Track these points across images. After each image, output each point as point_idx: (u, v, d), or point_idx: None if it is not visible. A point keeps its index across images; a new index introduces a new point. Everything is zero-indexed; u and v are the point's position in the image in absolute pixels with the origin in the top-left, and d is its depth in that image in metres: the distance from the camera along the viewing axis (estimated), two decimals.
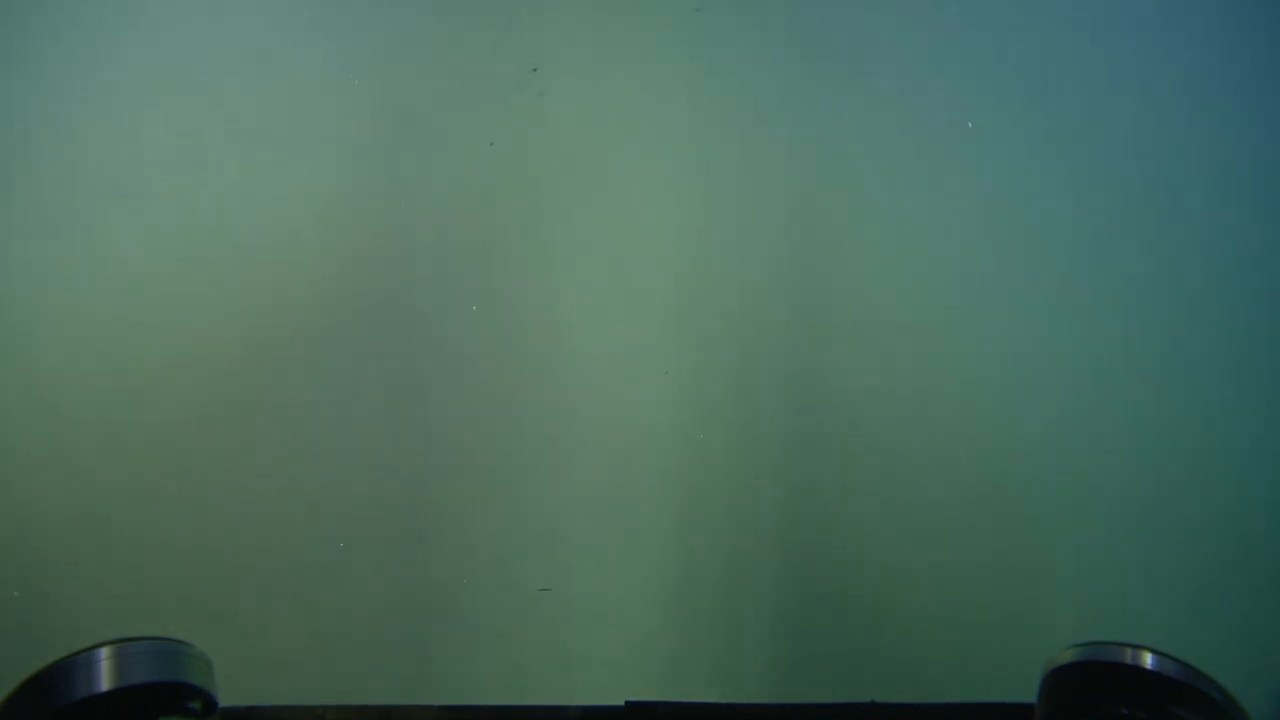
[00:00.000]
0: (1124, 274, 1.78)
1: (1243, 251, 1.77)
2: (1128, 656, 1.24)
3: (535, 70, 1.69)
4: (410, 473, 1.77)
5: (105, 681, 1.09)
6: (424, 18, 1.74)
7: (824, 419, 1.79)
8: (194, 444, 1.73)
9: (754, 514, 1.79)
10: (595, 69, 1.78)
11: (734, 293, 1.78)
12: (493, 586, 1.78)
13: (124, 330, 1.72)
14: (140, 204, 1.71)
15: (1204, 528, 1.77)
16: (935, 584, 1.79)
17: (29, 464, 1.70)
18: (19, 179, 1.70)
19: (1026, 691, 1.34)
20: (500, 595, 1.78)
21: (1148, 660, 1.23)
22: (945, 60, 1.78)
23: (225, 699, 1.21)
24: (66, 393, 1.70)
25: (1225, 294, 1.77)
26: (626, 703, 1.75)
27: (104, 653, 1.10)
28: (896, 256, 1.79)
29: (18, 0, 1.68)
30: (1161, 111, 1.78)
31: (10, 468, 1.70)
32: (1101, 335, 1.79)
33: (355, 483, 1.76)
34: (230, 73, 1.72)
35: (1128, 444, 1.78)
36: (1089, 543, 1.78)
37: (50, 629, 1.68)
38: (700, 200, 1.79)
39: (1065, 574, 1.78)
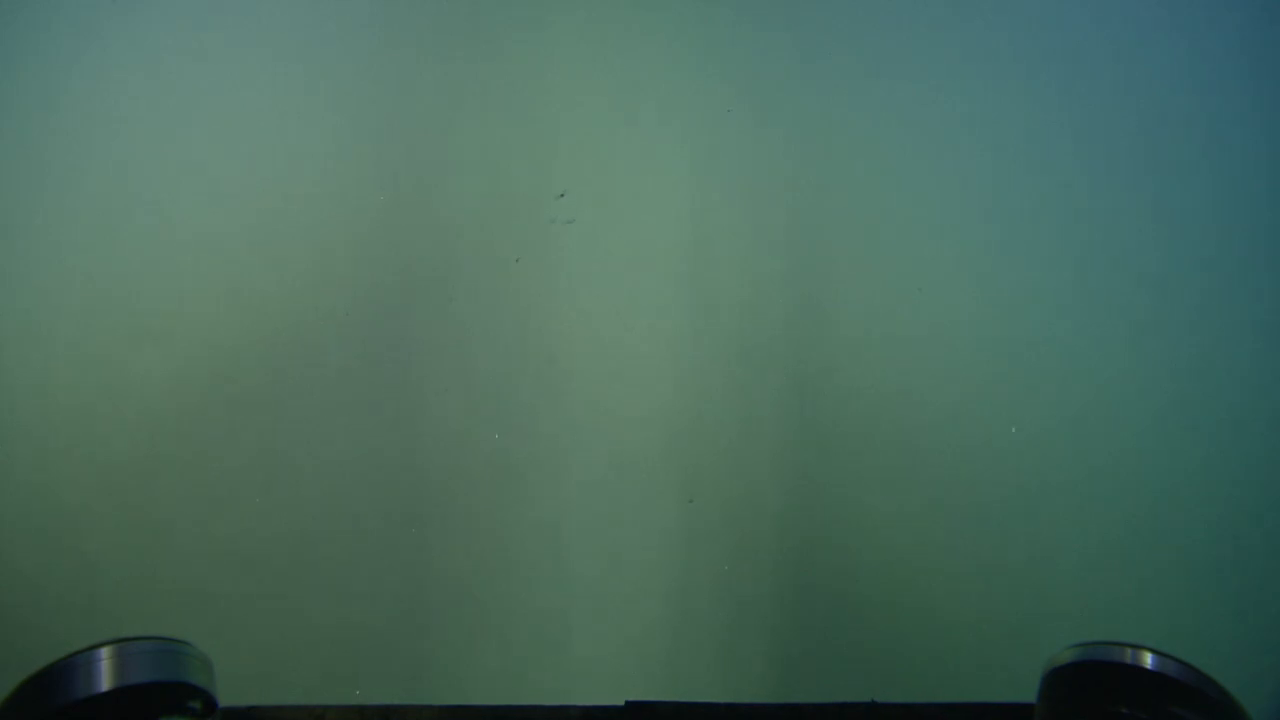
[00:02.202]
0: (1130, 275, 1.78)
1: (1251, 252, 1.77)
2: (1128, 656, 1.24)
3: (563, 196, 1.71)
4: (411, 473, 1.77)
5: (105, 681, 1.09)
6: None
7: (825, 420, 1.79)
8: (194, 447, 1.73)
9: (754, 514, 1.79)
10: (595, 70, 1.78)
11: (735, 292, 1.78)
12: (493, 587, 1.78)
13: (132, 335, 1.72)
14: (162, 217, 1.72)
15: (1205, 528, 1.77)
16: (935, 584, 1.79)
17: (31, 463, 1.70)
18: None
19: (1026, 691, 1.34)
20: (501, 595, 1.78)
21: (1148, 660, 1.23)
22: (948, 60, 1.78)
23: (225, 699, 1.21)
24: (73, 392, 1.70)
25: (1232, 294, 1.77)
26: (626, 703, 1.74)
27: (104, 653, 1.10)
28: (899, 257, 1.79)
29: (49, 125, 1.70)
30: (1169, 110, 1.78)
31: (12, 466, 1.70)
32: (1105, 336, 1.79)
33: (355, 484, 1.76)
34: (263, 193, 1.74)
35: (1128, 445, 1.78)
36: (1089, 543, 1.78)
37: (50, 629, 1.68)
38: (701, 203, 1.78)
39: (1066, 574, 1.78)
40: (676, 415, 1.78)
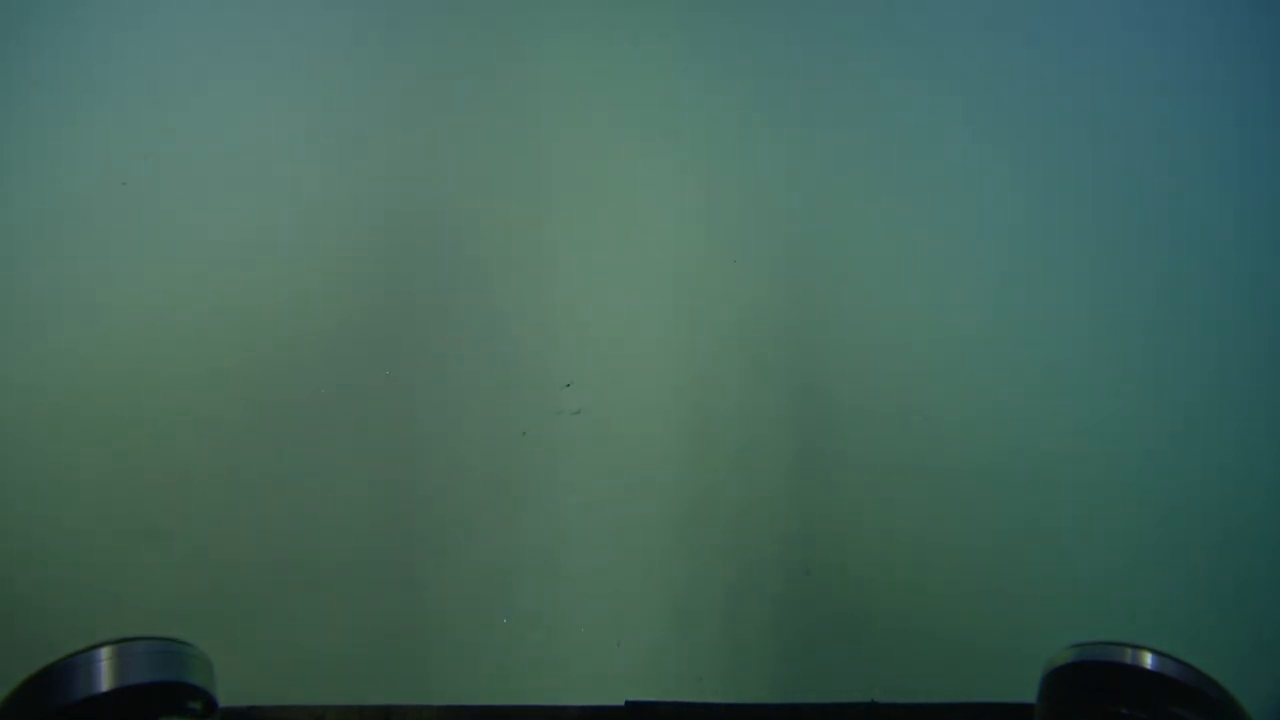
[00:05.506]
0: (1130, 275, 1.79)
1: (1260, 253, 1.78)
2: (1128, 656, 1.24)
3: (569, 385, 1.74)
4: (411, 474, 1.77)
5: (105, 681, 1.09)
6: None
7: (826, 423, 1.79)
8: (195, 449, 1.73)
9: (755, 515, 1.79)
10: (601, 69, 1.78)
11: (736, 300, 1.78)
12: (493, 587, 1.78)
13: (141, 343, 1.72)
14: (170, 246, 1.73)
15: (1205, 527, 1.77)
16: (935, 584, 1.79)
17: (34, 465, 1.70)
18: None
19: (1026, 691, 1.34)
20: (501, 595, 1.78)
21: (1148, 660, 1.23)
22: (946, 74, 1.79)
23: (225, 699, 1.21)
24: (80, 395, 1.70)
25: (1241, 293, 1.78)
26: (626, 703, 1.75)
27: (104, 653, 1.10)
28: (898, 259, 1.79)
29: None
30: (1131, 112, 1.79)
31: (14, 468, 1.70)
32: (1107, 337, 1.79)
33: (356, 484, 1.75)
34: (263, 384, 1.75)
35: (1128, 446, 1.78)
36: (1089, 543, 1.78)
37: (50, 629, 1.68)
38: (703, 212, 1.78)
39: (1066, 574, 1.78)
40: (680, 589, 1.79)
